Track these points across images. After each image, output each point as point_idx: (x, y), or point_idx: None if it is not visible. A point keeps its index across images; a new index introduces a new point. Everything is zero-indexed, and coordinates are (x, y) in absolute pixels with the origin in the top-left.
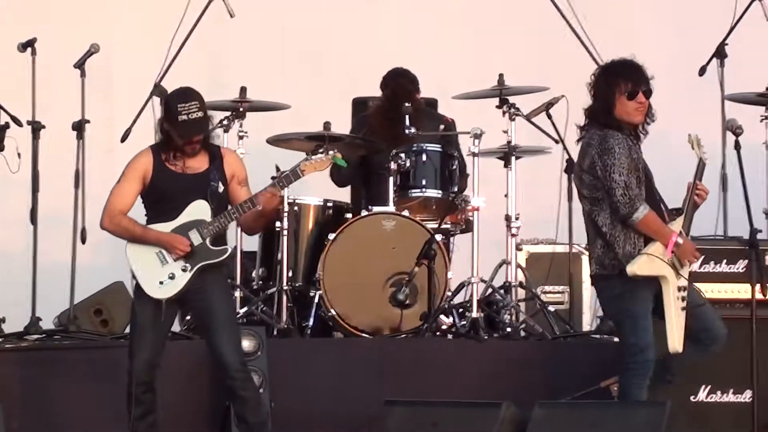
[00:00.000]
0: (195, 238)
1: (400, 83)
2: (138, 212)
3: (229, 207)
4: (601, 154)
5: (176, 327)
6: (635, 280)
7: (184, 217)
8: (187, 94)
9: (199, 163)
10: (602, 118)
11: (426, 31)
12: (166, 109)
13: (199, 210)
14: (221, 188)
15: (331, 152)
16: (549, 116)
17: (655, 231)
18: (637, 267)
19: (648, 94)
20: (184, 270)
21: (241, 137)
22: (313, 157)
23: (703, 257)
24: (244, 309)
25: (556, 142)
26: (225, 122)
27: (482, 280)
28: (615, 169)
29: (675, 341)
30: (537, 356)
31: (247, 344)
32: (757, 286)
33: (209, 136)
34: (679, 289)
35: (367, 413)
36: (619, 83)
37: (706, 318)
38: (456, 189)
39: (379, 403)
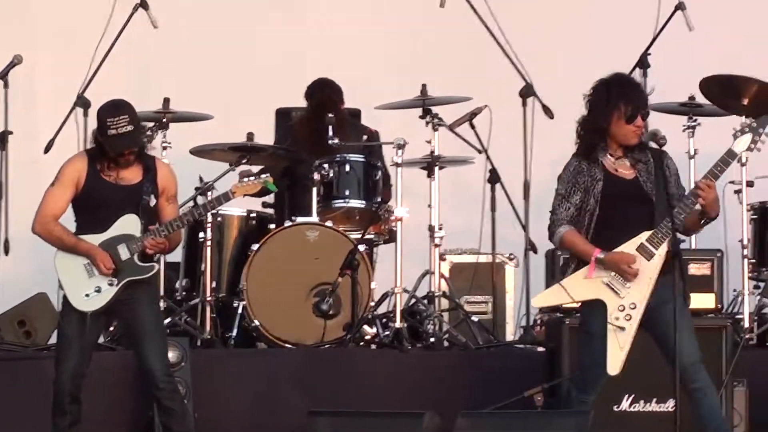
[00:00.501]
0: (123, 252)
1: (325, 93)
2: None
3: (158, 225)
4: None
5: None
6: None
7: (114, 230)
8: (116, 107)
9: (132, 175)
10: (588, 137)
11: (349, 41)
12: (98, 122)
13: (129, 224)
14: (153, 202)
15: (263, 176)
16: (472, 126)
17: (575, 252)
18: (538, 300)
19: (646, 116)
20: (110, 284)
21: (164, 148)
22: (245, 180)
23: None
24: (168, 320)
25: (480, 152)
26: (148, 133)
27: (405, 291)
28: (555, 196)
29: (609, 363)
30: (460, 366)
31: (170, 355)
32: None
33: (144, 146)
34: (621, 308)
35: (290, 424)
36: (620, 105)
37: (668, 342)
38: (379, 199)
39: (303, 413)
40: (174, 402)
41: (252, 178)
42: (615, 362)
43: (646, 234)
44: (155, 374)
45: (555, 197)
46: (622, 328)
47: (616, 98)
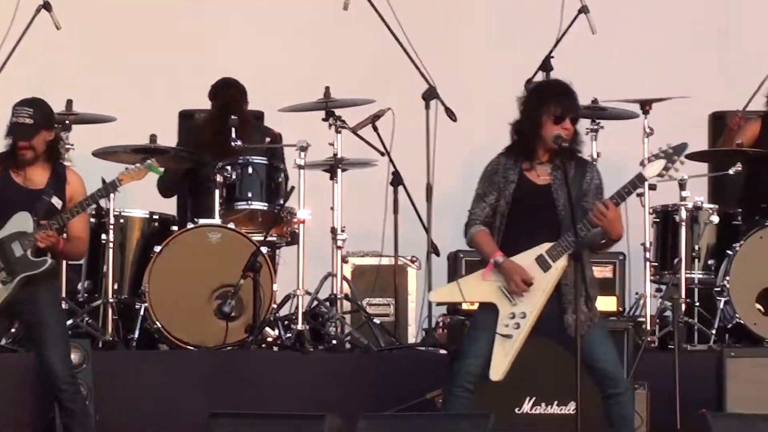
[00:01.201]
0: (17, 249)
1: (229, 93)
2: None
3: (49, 220)
4: None
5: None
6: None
7: (7, 228)
8: (28, 101)
9: (40, 178)
10: (520, 138)
11: (252, 43)
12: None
13: (21, 221)
14: (59, 204)
15: (148, 161)
16: (375, 129)
17: (481, 253)
18: (434, 294)
19: (575, 120)
20: (4, 282)
21: (67, 150)
22: (130, 167)
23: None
24: (70, 321)
25: (382, 154)
26: (66, 146)
27: (307, 293)
28: (474, 194)
29: (493, 370)
30: (362, 368)
31: (72, 357)
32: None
33: (59, 154)
34: (512, 315)
35: (192, 426)
36: (549, 106)
37: (593, 363)
38: (281, 202)
39: (205, 415)
40: (76, 404)
41: (137, 164)
42: (499, 369)
43: (547, 245)
44: (57, 376)
45: (475, 195)
46: (510, 336)
47: (547, 100)
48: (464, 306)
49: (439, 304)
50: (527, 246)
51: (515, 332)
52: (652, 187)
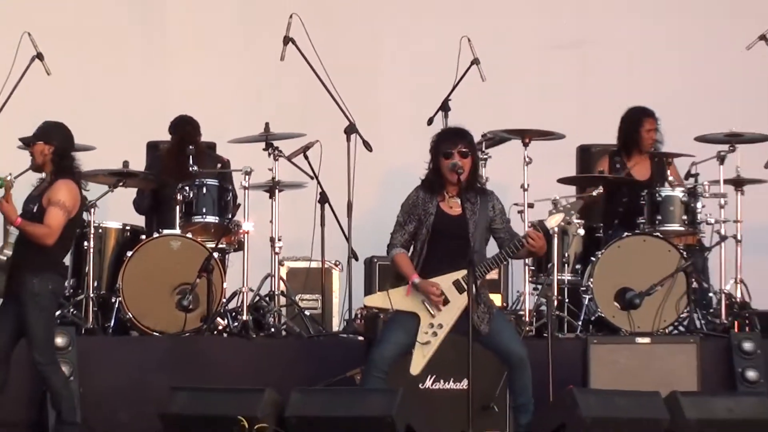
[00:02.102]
0: None
1: (186, 129)
2: None
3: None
4: None
5: None
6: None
7: None
8: (45, 122)
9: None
10: (428, 175)
11: (206, 87)
12: None
13: None
14: (35, 205)
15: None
16: (306, 157)
17: (400, 272)
18: (368, 299)
19: (464, 154)
20: None
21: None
22: None
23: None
24: (58, 312)
25: (312, 178)
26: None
27: (251, 290)
28: (396, 221)
29: (413, 366)
30: (295, 351)
31: (60, 341)
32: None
33: (60, 168)
34: (431, 325)
35: (157, 397)
36: (440, 147)
37: (498, 344)
38: (230, 216)
39: (167, 389)
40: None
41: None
42: (417, 366)
43: (463, 272)
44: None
45: (395, 223)
46: (428, 343)
47: (439, 143)
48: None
49: (370, 307)
50: (446, 269)
51: (433, 339)
52: (530, 206)
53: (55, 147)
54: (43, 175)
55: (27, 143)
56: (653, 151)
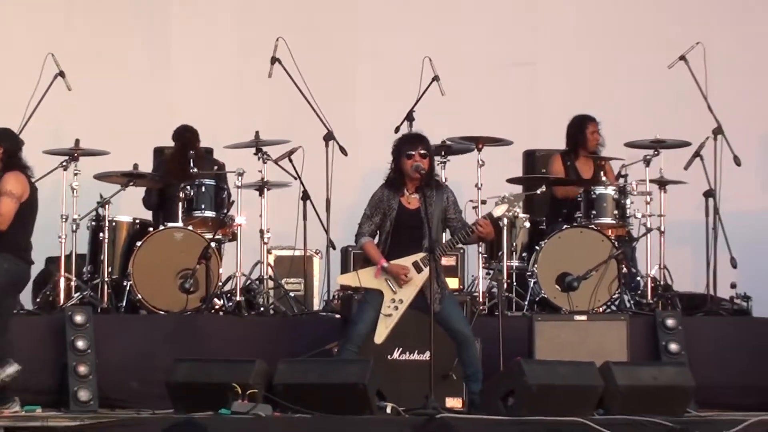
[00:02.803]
0: None
1: (187, 137)
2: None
3: None
4: None
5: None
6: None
7: None
8: None
9: None
10: (390, 174)
11: (205, 99)
12: None
13: None
14: None
15: None
16: (290, 161)
17: (369, 257)
18: (340, 278)
19: (423, 155)
20: None
21: (76, 174)
22: None
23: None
24: (77, 294)
25: (295, 178)
26: (64, 163)
27: (243, 275)
28: (363, 214)
29: (377, 336)
30: (282, 328)
31: (79, 318)
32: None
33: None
34: (392, 300)
35: (163, 367)
36: (402, 149)
37: (448, 323)
38: (225, 211)
39: (171, 360)
40: None
41: None
42: (381, 336)
43: (421, 255)
44: None
45: (363, 215)
46: (390, 315)
47: (401, 146)
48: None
49: (342, 285)
50: (407, 253)
51: (394, 312)
52: (483, 202)
53: (4, 148)
54: None
55: None
56: (598, 151)
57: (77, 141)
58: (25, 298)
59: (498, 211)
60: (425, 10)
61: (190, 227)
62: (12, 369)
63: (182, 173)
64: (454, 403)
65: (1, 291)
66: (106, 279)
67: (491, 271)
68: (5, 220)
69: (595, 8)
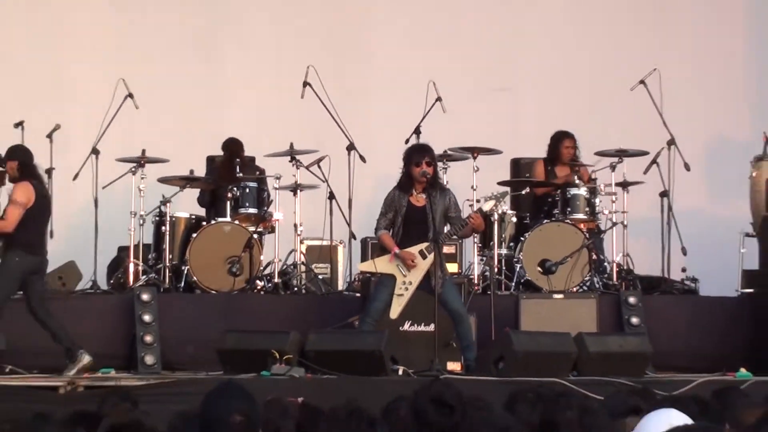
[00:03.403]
0: None
1: (233, 147)
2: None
3: None
4: None
5: None
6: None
7: None
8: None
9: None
10: (401, 178)
11: (250, 113)
12: None
13: None
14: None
15: None
16: (319, 167)
17: (385, 246)
18: (360, 265)
19: (429, 163)
20: None
21: (142, 178)
22: None
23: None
24: (144, 276)
25: (323, 181)
26: (133, 169)
27: (280, 260)
28: (380, 211)
29: (392, 312)
30: (312, 304)
31: (145, 296)
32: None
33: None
34: (403, 282)
35: (214, 337)
36: (411, 158)
37: (446, 303)
38: (265, 208)
39: (221, 330)
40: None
41: None
42: (395, 312)
43: (425, 244)
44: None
45: (380, 212)
46: (402, 295)
47: (411, 154)
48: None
49: (361, 270)
50: (414, 243)
51: (405, 293)
52: (478, 201)
53: (19, 162)
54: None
55: (2, 164)
56: (576, 158)
57: (143, 151)
58: (101, 279)
59: (486, 206)
60: (429, 42)
61: (237, 222)
62: (86, 360)
63: (230, 177)
64: (454, 366)
65: (15, 279)
66: (168, 264)
67: (484, 258)
68: (10, 225)
69: (570, 41)
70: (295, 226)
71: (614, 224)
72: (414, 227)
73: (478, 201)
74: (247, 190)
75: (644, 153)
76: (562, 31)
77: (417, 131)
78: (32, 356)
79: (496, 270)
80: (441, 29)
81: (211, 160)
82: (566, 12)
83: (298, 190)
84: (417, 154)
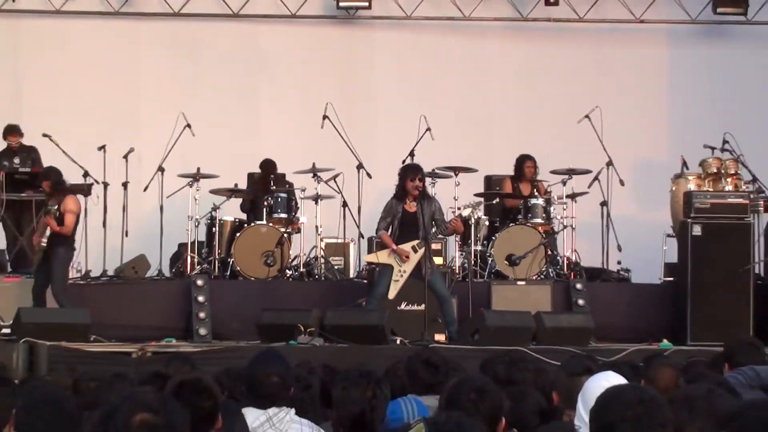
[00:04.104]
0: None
1: (268, 166)
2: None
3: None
4: None
5: None
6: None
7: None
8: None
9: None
10: (397, 190)
11: (281, 139)
12: None
13: None
14: (55, 211)
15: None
16: (335, 181)
17: (384, 243)
18: (366, 257)
19: (420, 179)
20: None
21: (197, 189)
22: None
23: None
24: (198, 267)
25: (338, 193)
26: (190, 183)
27: (305, 254)
28: (380, 216)
29: (390, 293)
30: (329, 288)
31: (200, 282)
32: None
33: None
34: (399, 271)
35: (254, 314)
36: (406, 174)
37: (433, 288)
38: (293, 214)
39: (259, 309)
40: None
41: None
42: (392, 294)
43: (417, 241)
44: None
45: (380, 217)
46: (398, 280)
47: (405, 171)
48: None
49: (367, 262)
50: (408, 241)
51: (401, 278)
52: (459, 208)
53: (51, 182)
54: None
55: (38, 185)
56: (535, 176)
57: (198, 169)
58: (165, 269)
59: (465, 212)
60: (421, 85)
61: (271, 224)
62: None
63: (265, 189)
64: (440, 337)
65: (66, 264)
66: (217, 257)
67: (464, 252)
68: (69, 230)
69: (531, 85)
70: (316, 227)
71: (565, 227)
72: (407, 228)
73: (459, 209)
74: (279, 199)
75: (588, 171)
76: (525, 78)
77: (411, 154)
78: (111, 328)
79: (473, 262)
80: (430, 76)
81: (250, 176)
82: (529, 63)
83: (319, 200)
84: (411, 172)
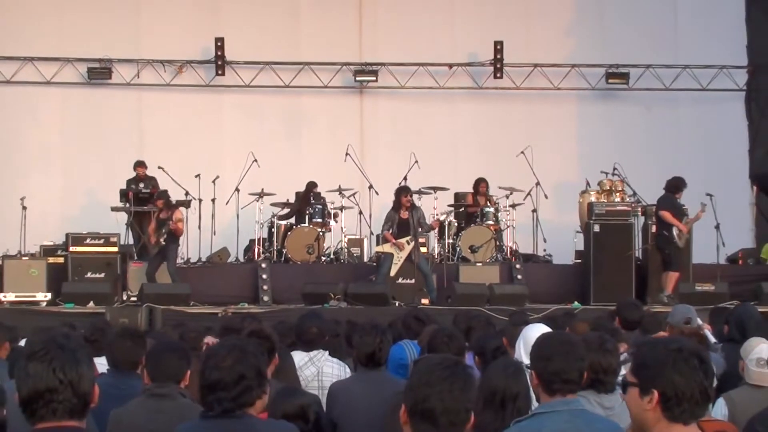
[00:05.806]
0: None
1: (309, 186)
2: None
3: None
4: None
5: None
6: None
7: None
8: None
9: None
10: (395, 203)
11: (318, 167)
12: None
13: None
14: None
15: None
16: (354, 198)
17: (386, 239)
18: (376, 248)
19: (411, 196)
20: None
21: (261, 204)
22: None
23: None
24: (263, 254)
25: (356, 206)
26: (256, 199)
27: (334, 246)
28: (384, 222)
29: (391, 272)
30: (351, 269)
31: (264, 265)
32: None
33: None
34: (397, 257)
35: (300, 285)
36: (400, 193)
37: (420, 268)
38: (327, 219)
39: (304, 282)
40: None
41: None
42: (393, 272)
43: (409, 237)
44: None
45: (384, 222)
46: (396, 263)
47: (400, 191)
48: (382, 251)
49: (376, 251)
50: (402, 236)
51: (399, 261)
52: (438, 216)
53: (163, 200)
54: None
55: (154, 202)
56: (485, 194)
57: (262, 189)
58: (240, 256)
59: (442, 217)
60: (412, 132)
61: (311, 226)
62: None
63: (307, 202)
64: (425, 301)
65: (176, 254)
66: (275, 248)
67: (442, 243)
68: (182, 231)
69: (483, 130)
70: (341, 228)
71: (508, 227)
72: (402, 229)
73: (437, 215)
74: (316, 209)
75: (523, 190)
76: (481, 126)
77: (404, 178)
78: (203, 296)
79: (446, 250)
80: (417, 126)
81: (297, 193)
82: (483, 116)
83: (343, 209)
84: (404, 191)
